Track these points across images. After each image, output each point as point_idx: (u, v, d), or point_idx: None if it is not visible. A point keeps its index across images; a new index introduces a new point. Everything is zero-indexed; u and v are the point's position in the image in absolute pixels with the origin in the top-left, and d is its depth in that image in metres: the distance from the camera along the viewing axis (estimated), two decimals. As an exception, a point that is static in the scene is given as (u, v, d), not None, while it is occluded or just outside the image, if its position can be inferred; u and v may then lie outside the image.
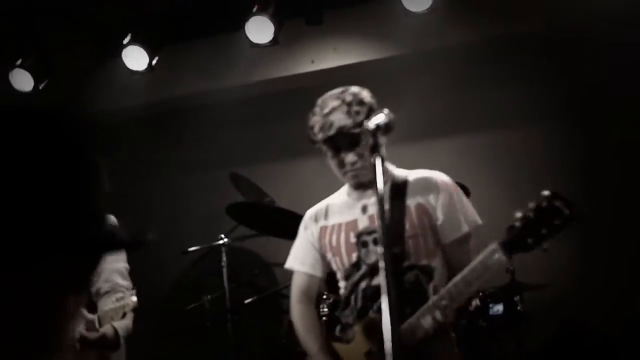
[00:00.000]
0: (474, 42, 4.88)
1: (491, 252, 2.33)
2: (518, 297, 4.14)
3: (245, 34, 4.71)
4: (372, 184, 2.59)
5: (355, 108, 2.62)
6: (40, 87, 5.27)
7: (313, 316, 2.94)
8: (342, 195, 2.90)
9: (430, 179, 2.74)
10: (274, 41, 4.71)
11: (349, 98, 2.65)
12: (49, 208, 0.84)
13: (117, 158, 5.93)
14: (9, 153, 0.83)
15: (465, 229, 2.67)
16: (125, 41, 5.01)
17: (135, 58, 5.03)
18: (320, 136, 2.67)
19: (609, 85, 4.75)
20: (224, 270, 4.61)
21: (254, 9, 4.64)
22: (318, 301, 3.65)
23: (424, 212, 2.68)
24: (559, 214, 2.19)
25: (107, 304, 2.92)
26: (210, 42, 5.41)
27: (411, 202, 2.69)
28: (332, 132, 2.62)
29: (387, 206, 2.64)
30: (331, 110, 2.64)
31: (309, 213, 2.98)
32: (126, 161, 5.94)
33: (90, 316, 2.87)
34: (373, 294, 2.65)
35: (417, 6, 4.41)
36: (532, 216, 2.22)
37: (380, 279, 1.78)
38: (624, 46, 4.59)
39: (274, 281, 5.72)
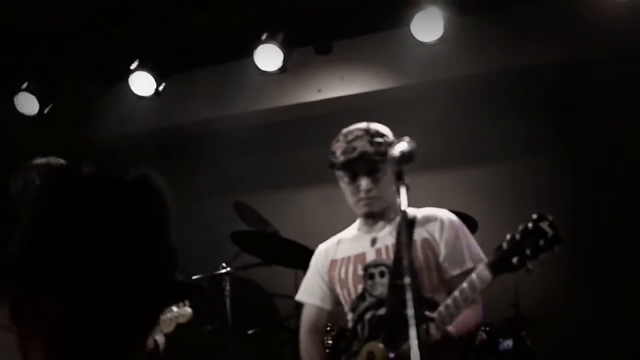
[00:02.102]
0: (484, 74, 4.86)
1: (478, 274, 2.43)
2: (525, 332, 4.08)
3: (254, 62, 4.69)
4: (382, 215, 2.85)
5: (378, 139, 2.76)
6: (45, 111, 5.24)
7: (319, 347, 3.03)
8: (352, 230, 2.99)
9: (436, 216, 2.83)
10: (282, 69, 4.69)
11: (373, 129, 2.81)
12: (127, 259, 1.01)
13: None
14: (95, 218, 1.00)
15: (468, 265, 2.71)
16: (133, 66, 4.99)
17: (142, 83, 5.01)
18: (341, 159, 2.79)
19: (610, 120, 4.75)
20: (228, 299, 4.52)
21: (263, 37, 4.63)
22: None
23: (429, 247, 2.76)
24: (543, 235, 2.28)
25: None
26: (218, 69, 5.40)
27: (417, 236, 2.76)
28: (354, 155, 2.75)
29: (394, 240, 2.76)
30: (355, 137, 2.78)
31: (321, 248, 3.06)
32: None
33: None
34: (378, 324, 2.72)
35: (428, 36, 4.39)
36: (518, 237, 2.32)
37: (408, 311, 1.81)
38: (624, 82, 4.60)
39: (275, 312, 5.65)
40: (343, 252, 2.94)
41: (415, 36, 4.42)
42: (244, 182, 5.74)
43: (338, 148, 2.81)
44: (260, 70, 4.70)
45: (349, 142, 2.78)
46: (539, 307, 4.24)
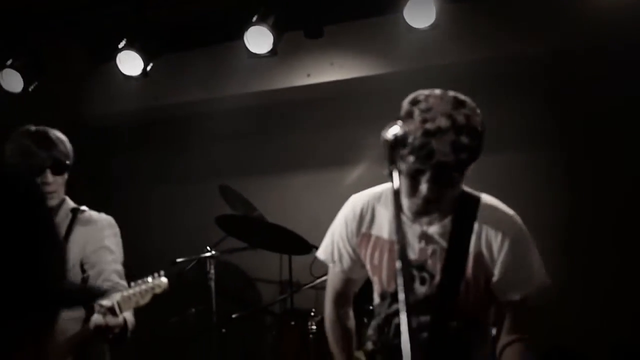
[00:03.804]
0: (474, 61, 4.83)
1: None
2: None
3: (244, 44, 4.64)
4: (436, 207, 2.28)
5: (464, 140, 2.09)
6: (30, 89, 5.17)
7: (345, 325, 2.64)
8: None
9: (499, 224, 2.32)
10: (273, 52, 4.64)
11: (461, 120, 2.12)
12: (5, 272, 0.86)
13: (107, 162, 5.84)
14: None
15: (528, 289, 2.33)
16: (121, 45, 4.92)
17: (130, 63, 4.94)
18: (411, 159, 2.11)
19: (606, 111, 4.74)
20: (212, 283, 4.50)
21: (254, 19, 4.58)
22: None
23: (481, 264, 2.32)
24: None
25: (126, 290, 2.68)
26: (208, 51, 5.35)
27: (473, 249, 2.31)
28: (428, 161, 2.10)
29: (446, 244, 2.32)
30: (436, 130, 2.09)
31: (354, 205, 2.49)
32: (116, 166, 5.86)
33: (107, 303, 2.56)
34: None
35: (420, 22, 4.35)
36: None
37: (399, 295, 1.64)
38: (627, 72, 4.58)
39: (258, 296, 5.64)
40: (378, 229, 2.43)
41: (408, 21, 4.36)
42: (231, 165, 5.71)
43: (411, 133, 2.09)
44: (250, 52, 4.65)
45: (428, 133, 2.08)
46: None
